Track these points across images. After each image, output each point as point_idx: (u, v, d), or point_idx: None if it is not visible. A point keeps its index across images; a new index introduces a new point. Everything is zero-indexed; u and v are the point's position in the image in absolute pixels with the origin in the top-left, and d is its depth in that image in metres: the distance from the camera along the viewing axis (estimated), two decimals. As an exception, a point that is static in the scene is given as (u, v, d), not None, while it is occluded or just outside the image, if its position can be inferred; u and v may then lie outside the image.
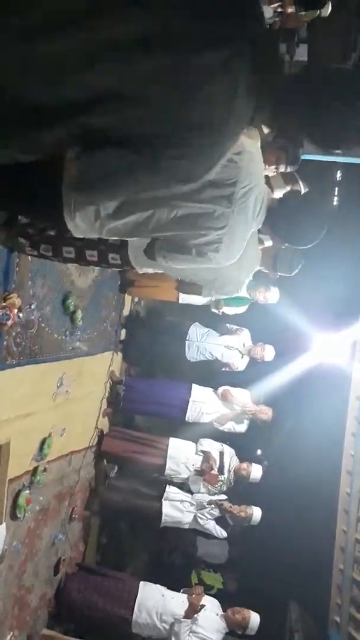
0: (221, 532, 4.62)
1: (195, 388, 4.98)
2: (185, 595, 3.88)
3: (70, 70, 1.10)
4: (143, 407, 5.11)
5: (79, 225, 1.58)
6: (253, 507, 4.55)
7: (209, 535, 4.94)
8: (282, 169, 3.28)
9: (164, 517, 4.53)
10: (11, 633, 3.26)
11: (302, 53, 5.41)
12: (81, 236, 1.67)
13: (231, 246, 1.74)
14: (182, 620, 3.69)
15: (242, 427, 4.94)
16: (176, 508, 4.55)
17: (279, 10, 1.92)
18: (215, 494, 4.66)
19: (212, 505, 4.48)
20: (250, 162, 1.67)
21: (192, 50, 1.10)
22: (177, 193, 1.46)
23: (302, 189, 3.73)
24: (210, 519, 4.55)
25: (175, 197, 1.51)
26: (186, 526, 4.66)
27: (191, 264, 1.85)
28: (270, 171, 3.29)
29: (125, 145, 1.20)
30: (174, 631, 3.68)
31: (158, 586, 3.98)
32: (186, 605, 3.78)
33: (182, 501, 4.57)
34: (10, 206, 1.85)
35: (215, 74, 1.12)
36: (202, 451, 4.74)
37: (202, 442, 4.86)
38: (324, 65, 1.60)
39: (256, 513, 4.51)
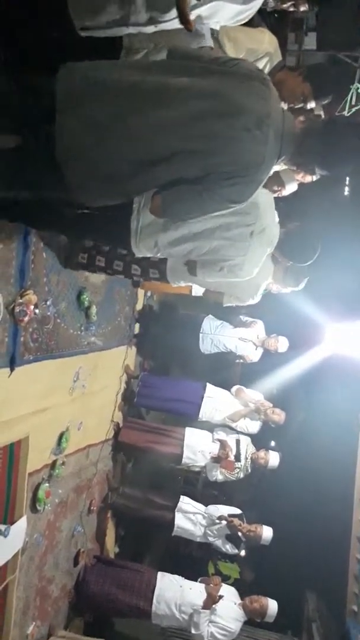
0: (231, 550, 4.54)
1: (210, 386, 4.99)
2: (203, 585, 3.92)
3: (158, 138, 1.62)
4: (157, 403, 5.13)
5: (142, 250, 2.45)
6: (264, 526, 4.47)
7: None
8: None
9: (176, 529, 4.53)
10: (34, 623, 3.33)
11: (310, 42, 5.37)
12: (141, 256, 2.53)
13: (251, 266, 2.46)
14: (201, 610, 3.73)
15: (254, 427, 4.92)
16: (189, 520, 4.54)
17: (292, 9, 1.99)
18: (232, 481, 4.68)
19: (222, 522, 4.41)
20: (267, 207, 2.43)
21: (235, 115, 1.63)
22: (220, 224, 2.25)
23: (315, 176, 3.72)
24: (219, 536, 4.50)
25: (214, 230, 2.30)
26: (198, 539, 4.64)
27: (221, 278, 2.56)
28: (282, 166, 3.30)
29: (192, 182, 1.70)
30: (194, 622, 3.72)
31: (176, 577, 4.02)
32: (204, 595, 3.82)
33: (194, 514, 4.56)
34: (94, 237, 2.76)
35: (251, 130, 1.64)
36: (218, 439, 4.76)
37: (218, 431, 4.89)
38: (330, 122, 2.10)
39: (266, 533, 4.42)
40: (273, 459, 4.72)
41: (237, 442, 4.79)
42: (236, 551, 4.49)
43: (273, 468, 4.74)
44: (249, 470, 4.77)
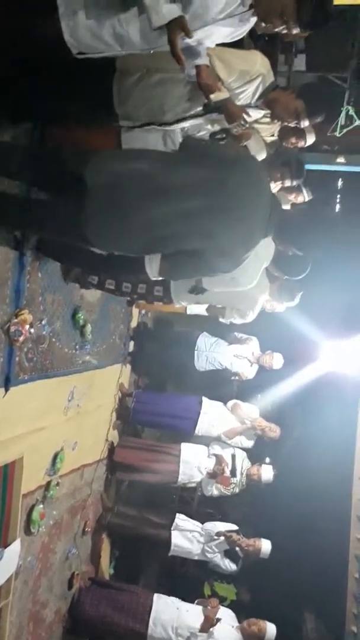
0: (230, 566, 4.49)
1: (206, 401, 4.98)
2: (201, 608, 3.86)
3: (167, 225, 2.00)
4: (153, 419, 5.11)
5: (155, 271, 2.58)
6: (262, 540, 4.44)
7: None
8: (287, 183, 3.34)
9: (173, 547, 4.48)
10: (27, 649, 3.26)
11: (300, 63, 5.48)
12: (155, 278, 2.74)
13: (249, 276, 2.87)
14: (199, 634, 3.67)
15: (249, 443, 4.91)
16: (186, 538, 4.50)
17: (284, 31, 2.03)
18: (227, 495, 4.65)
19: (221, 538, 4.38)
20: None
21: (231, 209, 2.02)
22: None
23: (306, 197, 3.77)
24: (217, 552, 4.46)
25: None
26: (195, 557, 4.58)
27: (225, 287, 2.93)
28: (276, 187, 3.35)
29: (190, 253, 2.09)
30: None
31: (172, 599, 3.96)
32: (201, 618, 3.76)
33: (191, 531, 4.52)
34: (110, 268, 3.06)
35: (243, 221, 2.04)
36: (214, 454, 4.73)
37: (213, 445, 4.86)
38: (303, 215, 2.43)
39: (265, 546, 4.40)
40: (266, 473, 4.69)
41: (233, 457, 4.76)
42: (234, 567, 4.44)
43: (267, 482, 4.70)
44: (245, 485, 4.74)
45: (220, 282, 2.91)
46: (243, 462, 4.76)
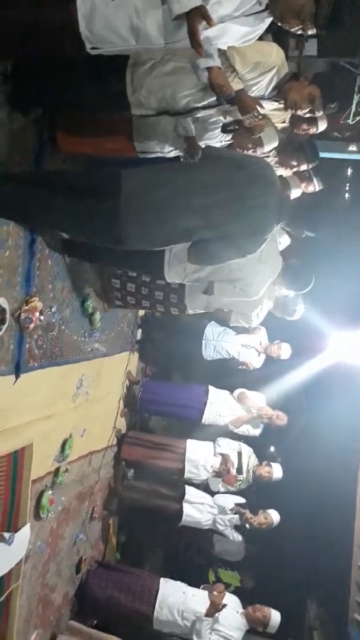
0: (237, 537, 4.63)
1: (212, 390, 4.99)
2: (206, 593, 3.90)
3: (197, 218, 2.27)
4: (160, 408, 5.13)
5: (173, 277, 3.13)
6: (270, 511, 4.56)
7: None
8: (303, 167, 3.31)
9: (184, 518, 4.56)
10: (36, 632, 3.31)
11: (311, 48, 5.40)
12: (170, 281, 3.24)
13: (258, 286, 3.08)
14: (204, 618, 3.71)
15: (256, 431, 4.93)
16: (197, 509, 4.58)
17: (300, 32, 2.05)
18: (234, 492, 4.68)
19: (234, 513, 4.47)
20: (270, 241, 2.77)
21: (251, 198, 2.29)
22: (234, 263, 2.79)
23: (317, 186, 3.74)
24: (229, 526, 4.57)
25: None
26: (205, 526, 4.68)
27: (234, 297, 3.17)
28: (289, 172, 3.33)
29: (215, 240, 2.35)
30: (196, 629, 3.70)
31: (179, 583, 4.01)
32: (207, 603, 3.80)
33: (202, 503, 4.59)
34: (131, 266, 3.41)
35: (261, 209, 2.30)
36: (220, 453, 4.74)
37: (219, 442, 4.86)
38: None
39: (275, 517, 4.55)
40: (277, 472, 4.72)
41: (239, 454, 4.78)
42: (241, 539, 4.61)
43: (277, 480, 4.74)
44: (251, 482, 4.77)
45: (229, 291, 3.12)
46: (250, 459, 4.77)
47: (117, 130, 2.78)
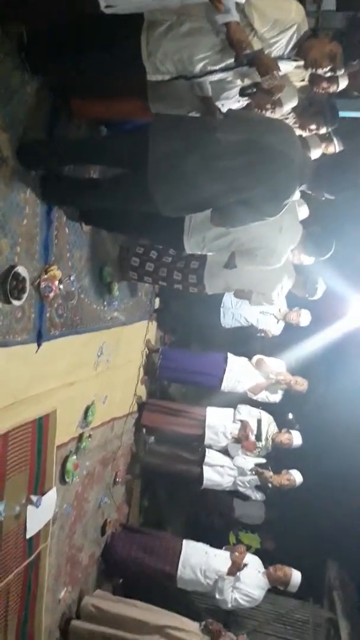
0: (260, 496, 4.71)
1: (231, 357, 4.99)
2: (228, 553, 4.00)
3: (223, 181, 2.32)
4: (179, 376, 5.15)
5: (192, 247, 3.12)
6: (292, 472, 4.57)
7: (246, 497, 5.03)
8: (322, 130, 3.24)
9: (205, 481, 4.63)
10: (65, 588, 3.45)
11: (329, 2, 5.17)
12: (191, 252, 3.20)
13: (280, 254, 3.05)
14: (226, 577, 3.82)
15: (276, 397, 4.92)
16: (217, 472, 4.65)
17: None
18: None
19: (254, 474, 4.52)
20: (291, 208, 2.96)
21: (274, 160, 2.29)
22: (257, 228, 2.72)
23: (337, 147, 3.64)
24: (249, 487, 4.63)
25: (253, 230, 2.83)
26: (226, 489, 4.77)
27: (256, 265, 3.11)
28: (309, 133, 3.26)
29: (237, 203, 2.39)
30: (218, 587, 3.82)
31: (201, 544, 4.11)
32: (228, 563, 3.90)
33: (222, 466, 4.66)
34: (152, 236, 3.45)
35: (284, 170, 2.30)
36: (240, 420, 4.78)
37: (240, 409, 4.88)
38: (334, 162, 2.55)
39: (297, 478, 4.55)
40: (297, 439, 4.74)
41: (259, 421, 4.79)
42: (264, 497, 4.69)
43: (297, 447, 4.77)
44: (270, 449, 4.80)
45: (251, 260, 3.10)
46: (269, 427, 4.79)
47: (132, 93, 2.73)
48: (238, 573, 3.85)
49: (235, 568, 3.84)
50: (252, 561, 4.00)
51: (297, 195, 2.61)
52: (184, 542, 4.08)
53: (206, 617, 3.90)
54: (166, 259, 3.70)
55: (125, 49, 2.38)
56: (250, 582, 3.87)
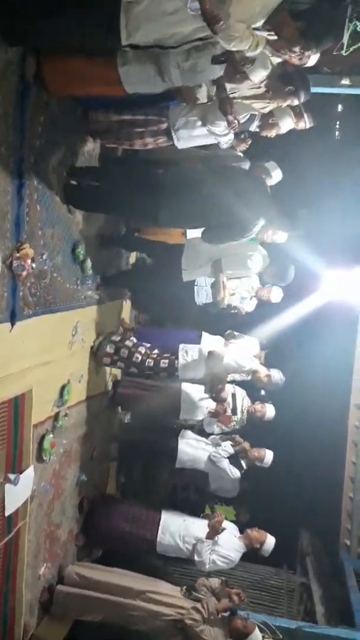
0: (234, 472, 4.69)
1: (206, 336, 5.01)
2: (205, 521, 4.10)
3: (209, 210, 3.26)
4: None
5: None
6: (264, 449, 4.66)
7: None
8: (295, 102, 3.27)
9: (179, 456, 4.66)
10: (45, 564, 3.50)
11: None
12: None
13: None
14: (204, 540, 3.93)
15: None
16: (191, 446, 4.68)
17: None
18: (229, 433, 4.81)
19: (227, 442, 4.59)
20: None
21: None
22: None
23: (307, 123, 3.68)
24: (224, 457, 4.67)
25: None
26: (202, 465, 4.75)
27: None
28: (285, 103, 3.32)
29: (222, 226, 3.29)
30: (197, 550, 3.92)
31: (179, 513, 4.21)
32: (206, 529, 4.00)
33: (197, 440, 4.72)
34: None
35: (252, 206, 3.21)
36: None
37: None
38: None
39: (268, 455, 4.63)
40: (270, 410, 4.82)
41: (233, 395, 4.85)
42: (238, 474, 4.61)
43: (270, 419, 4.85)
44: (245, 422, 4.88)
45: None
46: (243, 401, 4.86)
47: (105, 76, 2.72)
48: (216, 537, 3.95)
49: (214, 532, 3.95)
50: (229, 526, 4.12)
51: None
52: (163, 511, 4.16)
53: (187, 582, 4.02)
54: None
55: (100, 23, 2.37)
56: (228, 545, 3.99)
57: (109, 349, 4.17)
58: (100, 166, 3.72)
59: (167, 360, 4.16)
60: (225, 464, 4.58)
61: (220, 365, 4.14)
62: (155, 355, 4.29)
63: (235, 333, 5.14)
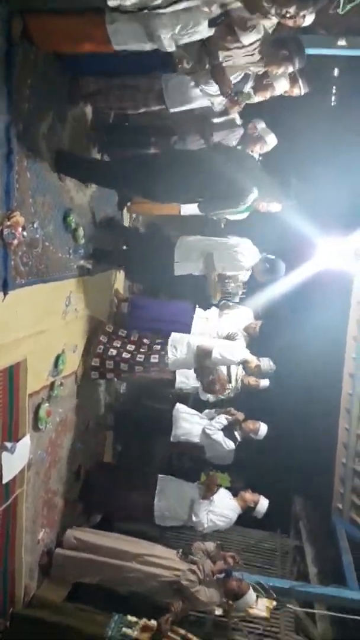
0: (229, 444, 4.66)
1: (198, 315, 4.98)
2: (201, 487, 4.18)
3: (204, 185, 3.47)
4: (149, 325, 5.16)
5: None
6: (260, 422, 4.69)
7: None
8: (290, 69, 3.19)
9: (174, 430, 4.66)
10: (43, 530, 3.57)
11: None
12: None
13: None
14: (201, 501, 4.02)
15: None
16: (186, 420, 4.69)
17: None
18: (224, 402, 4.86)
19: (221, 415, 4.61)
20: None
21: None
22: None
23: (302, 89, 3.60)
24: (218, 429, 4.64)
25: None
26: (196, 439, 4.73)
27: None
28: (280, 70, 3.25)
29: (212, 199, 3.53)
30: (194, 511, 4.01)
31: (174, 478, 4.28)
32: (202, 491, 4.08)
33: (192, 414, 4.74)
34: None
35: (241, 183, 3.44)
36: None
37: None
38: None
39: (262, 428, 4.66)
40: (263, 382, 4.86)
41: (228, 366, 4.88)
42: (232, 446, 4.58)
43: (265, 387, 4.89)
44: (239, 390, 4.92)
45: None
46: (238, 369, 4.89)
47: (93, 34, 2.64)
48: (212, 497, 4.03)
49: (210, 492, 4.04)
50: (224, 490, 4.22)
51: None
52: (159, 476, 4.23)
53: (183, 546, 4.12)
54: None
55: None
56: (224, 505, 4.11)
57: (94, 362, 4.09)
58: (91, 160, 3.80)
59: (157, 356, 4.10)
60: (220, 436, 4.58)
61: (209, 360, 4.11)
62: (145, 349, 4.22)
63: (230, 303, 5.15)
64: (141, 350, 4.20)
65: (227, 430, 4.66)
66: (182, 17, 2.53)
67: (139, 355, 4.12)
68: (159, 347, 4.20)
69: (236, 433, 4.65)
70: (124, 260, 4.74)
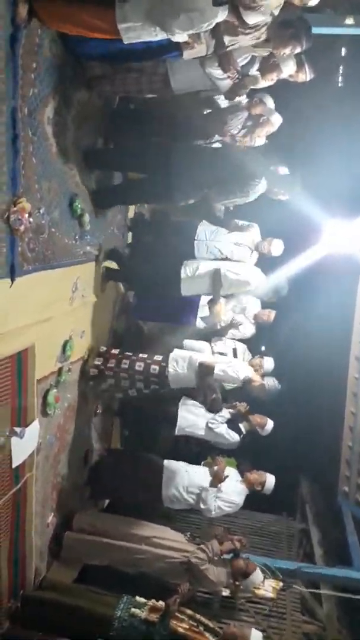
0: (233, 436, 4.57)
1: (204, 297, 4.97)
2: (207, 469, 4.21)
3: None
4: (154, 314, 5.15)
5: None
6: (267, 418, 4.61)
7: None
8: (297, 50, 3.16)
9: (179, 422, 4.59)
10: (52, 513, 3.62)
11: None
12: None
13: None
14: (209, 488, 4.05)
15: (249, 331, 5.01)
16: (191, 413, 4.63)
17: None
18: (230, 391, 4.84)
19: (226, 410, 4.55)
20: None
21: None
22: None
23: (308, 75, 3.56)
24: (221, 422, 4.55)
25: None
26: (201, 432, 4.63)
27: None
28: (286, 51, 3.22)
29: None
30: (202, 498, 4.04)
31: (181, 463, 4.28)
32: (209, 477, 4.12)
33: (197, 407, 4.69)
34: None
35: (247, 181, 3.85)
36: (219, 352, 4.83)
37: (215, 342, 4.93)
38: None
39: (269, 424, 4.58)
40: (268, 364, 4.83)
41: (234, 350, 4.87)
42: (237, 438, 4.54)
43: (268, 372, 4.87)
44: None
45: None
46: (244, 355, 4.88)
47: (101, 19, 2.61)
48: (219, 485, 4.07)
49: (218, 480, 4.07)
50: (231, 472, 4.24)
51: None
52: (165, 462, 4.23)
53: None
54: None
55: None
56: (231, 491, 4.12)
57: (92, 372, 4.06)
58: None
59: (157, 367, 4.06)
60: (223, 429, 4.52)
61: (211, 377, 4.07)
62: (144, 359, 4.16)
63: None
64: (140, 356, 4.14)
65: (232, 423, 4.61)
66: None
67: (137, 363, 4.06)
68: (159, 357, 4.14)
69: (241, 425, 4.61)
70: (129, 276, 4.71)
